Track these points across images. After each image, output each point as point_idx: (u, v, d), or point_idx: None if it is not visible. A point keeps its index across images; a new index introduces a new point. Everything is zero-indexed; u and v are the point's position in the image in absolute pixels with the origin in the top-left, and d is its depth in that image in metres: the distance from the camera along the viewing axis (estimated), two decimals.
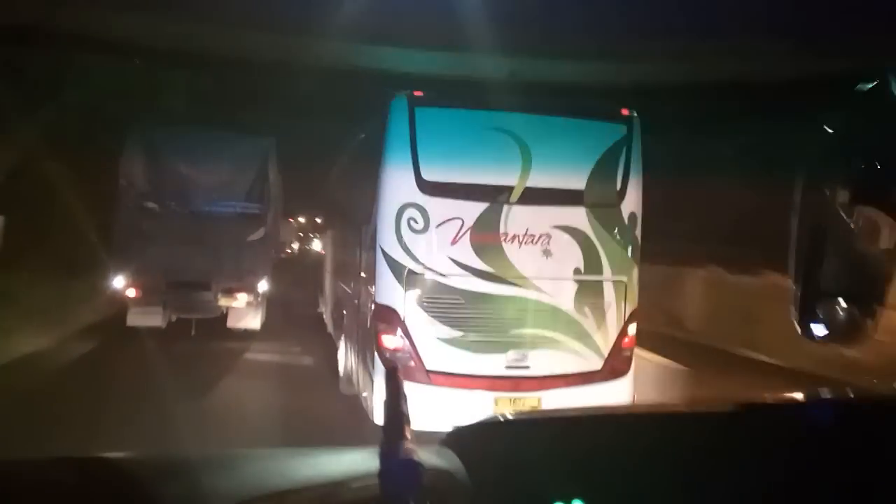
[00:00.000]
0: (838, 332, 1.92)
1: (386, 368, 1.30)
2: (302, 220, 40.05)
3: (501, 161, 6.42)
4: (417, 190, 6.35)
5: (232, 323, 12.95)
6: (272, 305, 15.50)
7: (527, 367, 6.41)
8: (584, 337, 6.56)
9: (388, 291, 6.43)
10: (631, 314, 6.77)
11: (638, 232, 6.83)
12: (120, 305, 12.42)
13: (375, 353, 6.56)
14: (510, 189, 6.38)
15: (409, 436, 1.30)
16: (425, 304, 6.42)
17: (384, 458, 1.26)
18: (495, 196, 6.40)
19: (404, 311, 6.37)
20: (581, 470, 1.38)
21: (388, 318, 6.41)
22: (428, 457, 1.38)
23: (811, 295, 1.86)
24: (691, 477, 1.39)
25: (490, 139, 6.46)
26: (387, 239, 6.41)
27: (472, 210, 6.37)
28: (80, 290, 13.47)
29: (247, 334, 13.01)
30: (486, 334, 6.46)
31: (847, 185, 1.84)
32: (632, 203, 6.73)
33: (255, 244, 12.85)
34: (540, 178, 6.42)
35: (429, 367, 6.33)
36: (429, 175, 6.38)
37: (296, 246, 37.88)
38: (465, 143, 6.51)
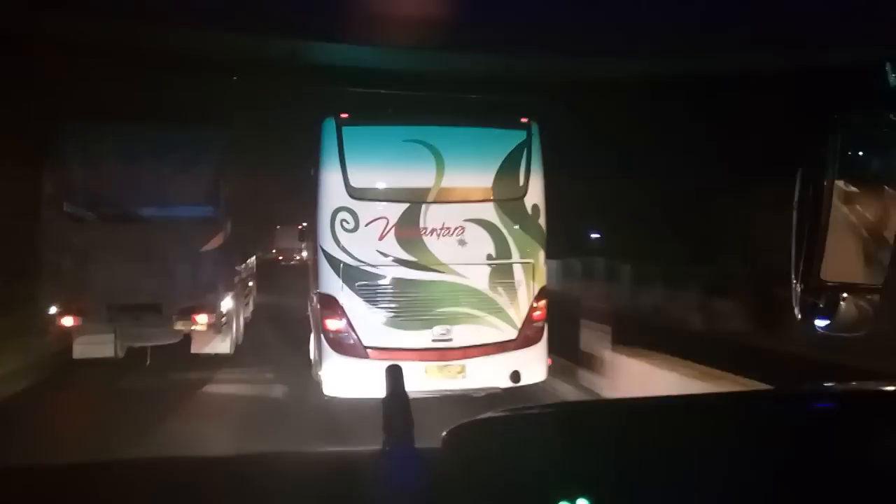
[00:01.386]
0: (840, 323, 1.90)
1: (387, 369, 1.43)
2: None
3: (419, 167, 7.49)
4: (347, 195, 7.44)
5: (196, 348, 11.06)
6: (262, 318, 14.33)
7: (451, 340, 7.46)
8: (499, 312, 7.62)
9: (329, 282, 7.49)
10: (540, 290, 7.84)
11: (542, 220, 7.90)
12: (67, 335, 10.37)
13: (322, 336, 7.59)
14: (427, 190, 7.48)
15: (411, 436, 1.34)
16: (360, 291, 7.46)
17: (386, 457, 1.31)
18: (415, 197, 7.51)
19: (342, 298, 7.43)
20: (586, 466, 1.35)
21: (330, 304, 7.48)
22: (430, 455, 1.38)
23: (812, 286, 1.84)
24: (699, 471, 1.37)
25: (408, 149, 7.56)
26: (324, 238, 7.49)
27: (396, 210, 7.47)
28: (17, 319, 11.09)
29: (216, 360, 11.14)
30: (414, 313, 7.52)
31: (847, 176, 1.83)
32: (535, 196, 7.80)
33: (211, 255, 10.77)
34: (452, 180, 7.52)
35: (366, 343, 7.37)
36: (356, 182, 7.47)
37: (305, 253, 36.81)
38: (387, 154, 7.63)
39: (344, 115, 7.57)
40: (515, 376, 7.44)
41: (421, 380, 7.28)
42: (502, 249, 7.65)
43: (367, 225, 7.43)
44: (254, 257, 16.11)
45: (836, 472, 1.39)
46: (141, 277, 10.27)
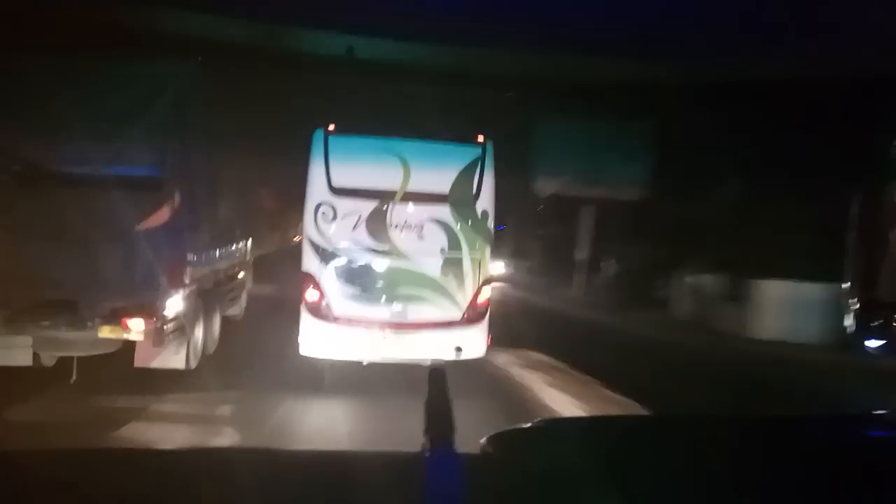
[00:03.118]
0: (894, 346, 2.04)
1: (430, 373, 1.45)
2: None
3: (389, 172, 8.96)
4: (329, 192, 8.98)
5: (141, 361, 8.03)
6: (257, 318, 12.44)
7: (406, 315, 9.02)
8: (448, 296, 9.13)
9: (310, 263, 9.09)
10: (484, 281, 9.35)
11: (490, 223, 9.35)
12: None
13: (302, 305, 9.16)
14: (395, 192, 8.97)
15: (452, 440, 1.33)
16: (334, 271, 9.04)
17: (427, 461, 1.30)
18: (384, 197, 8.99)
19: (319, 276, 9.03)
20: (626, 478, 1.32)
21: (310, 280, 9.07)
22: (470, 461, 1.38)
23: (868, 308, 1.99)
24: (743, 490, 1.34)
25: (381, 157, 9.05)
26: (309, 226, 9.05)
27: (368, 206, 8.98)
28: None
29: (169, 378, 8.37)
30: (377, 291, 9.07)
31: None
32: (484, 202, 9.23)
33: (153, 235, 7.81)
34: (416, 185, 9.00)
35: (336, 313, 8.99)
36: (337, 182, 9.00)
37: None
38: (364, 160, 9.12)
39: (331, 127, 9.11)
40: (458, 350, 8.75)
41: (379, 347, 8.88)
42: (454, 244, 9.12)
43: (343, 217, 8.94)
44: (247, 242, 12.65)
45: (878, 498, 1.37)
46: (49, 263, 7.49)
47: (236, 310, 12.24)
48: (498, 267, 24.68)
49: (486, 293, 9.43)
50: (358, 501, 1.29)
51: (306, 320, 9.03)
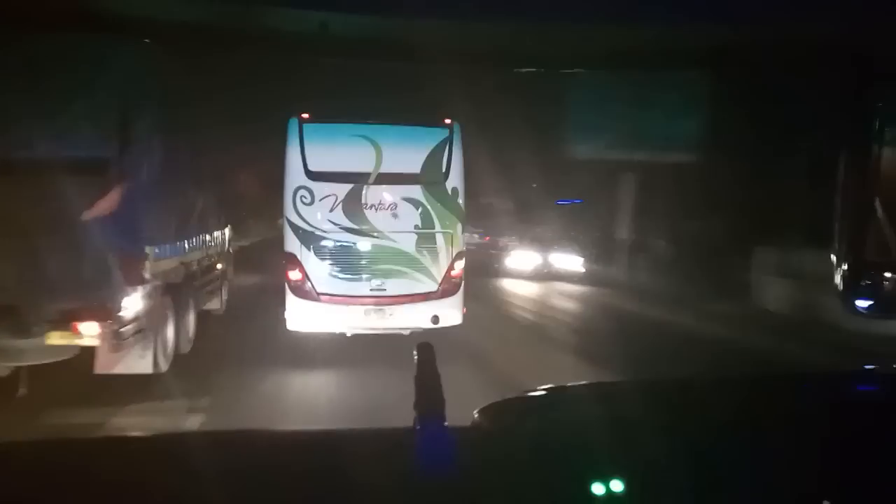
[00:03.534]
0: (884, 305, 1.81)
1: (418, 347, 1.41)
2: None
3: (362, 156, 9.11)
4: (306, 177, 9.10)
5: (102, 367, 6.99)
6: (242, 304, 11.75)
7: (384, 290, 9.17)
8: (423, 270, 9.30)
9: (291, 243, 9.19)
10: (457, 254, 9.50)
11: (461, 200, 9.52)
12: None
13: (286, 284, 9.26)
14: (369, 174, 9.13)
15: (442, 413, 1.29)
16: (314, 251, 9.15)
17: (419, 436, 1.27)
18: (358, 179, 9.13)
19: (301, 256, 9.14)
20: (620, 447, 1.28)
21: (292, 260, 9.17)
22: (461, 433, 1.34)
23: (856, 268, 1.74)
24: (736, 452, 1.31)
25: (354, 142, 9.18)
26: (288, 209, 9.15)
27: (343, 189, 9.12)
28: None
29: (133, 385, 7.18)
30: (356, 269, 9.20)
31: (892, 153, 1.68)
32: (454, 181, 9.43)
33: (103, 224, 6.65)
34: (388, 167, 9.15)
35: (318, 290, 9.10)
36: (313, 167, 9.12)
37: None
38: (338, 145, 9.26)
39: (305, 115, 9.25)
40: (435, 319, 9.09)
41: (361, 320, 9.03)
42: (427, 221, 9.29)
43: (320, 200, 9.10)
44: (225, 232, 12.02)
45: (877, 455, 1.33)
46: None
47: (216, 303, 11.33)
48: (569, 261, 22.21)
49: (460, 266, 9.56)
50: (351, 477, 1.24)
51: (291, 298, 9.13)
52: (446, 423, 1.30)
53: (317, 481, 1.25)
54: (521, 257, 22.67)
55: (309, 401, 7.65)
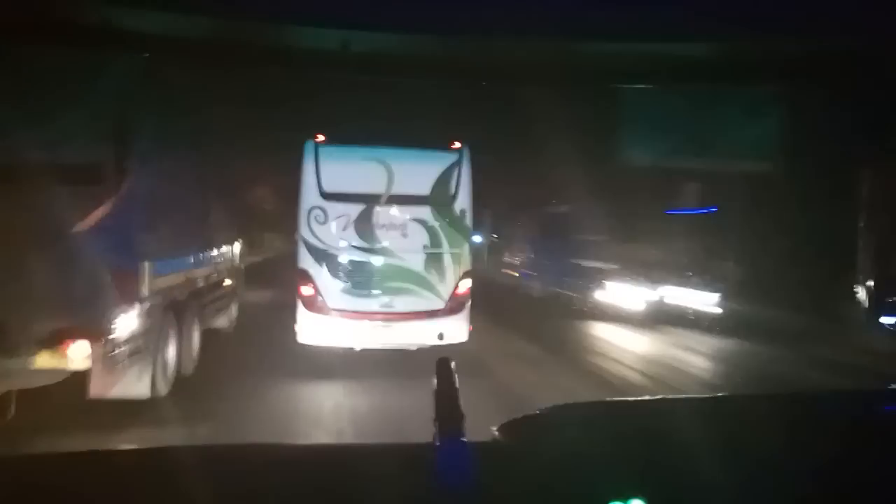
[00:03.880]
0: None
1: (438, 363, 1.40)
2: None
3: (374, 178, 9.15)
4: (321, 197, 9.18)
5: (96, 391, 6.27)
6: (252, 321, 11.24)
7: (392, 307, 9.12)
8: (431, 288, 9.29)
9: (304, 261, 9.25)
10: (464, 273, 9.47)
11: (468, 221, 9.52)
12: None
13: (298, 299, 9.27)
14: (380, 196, 9.20)
15: (461, 429, 1.25)
16: (326, 267, 9.20)
17: (438, 451, 1.23)
18: (370, 200, 9.17)
19: (313, 272, 9.20)
20: (641, 465, 1.26)
21: (304, 276, 9.22)
22: (481, 449, 1.31)
23: (884, 285, 1.63)
24: (757, 470, 1.28)
25: (367, 164, 9.23)
26: (303, 227, 9.21)
27: (356, 209, 9.19)
28: None
29: (127, 410, 6.55)
30: (366, 286, 9.20)
31: None
32: (462, 203, 9.44)
33: (97, 237, 6.17)
34: (399, 188, 9.18)
35: (329, 305, 9.10)
36: (327, 188, 9.18)
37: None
38: (351, 167, 9.33)
39: (320, 138, 9.38)
40: (440, 336, 9.04)
41: (369, 335, 8.98)
42: (435, 241, 9.33)
43: (333, 219, 9.25)
44: (236, 246, 11.46)
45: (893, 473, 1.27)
46: None
47: (224, 321, 10.55)
48: (696, 298, 14.92)
49: (466, 285, 9.57)
50: (370, 492, 1.22)
51: (302, 312, 9.19)
52: (466, 439, 1.26)
53: (332, 498, 1.23)
54: (621, 291, 15.31)
55: (321, 432, 7.02)
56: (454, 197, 9.51)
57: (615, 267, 15.92)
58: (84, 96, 6.28)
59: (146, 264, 6.96)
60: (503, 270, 25.67)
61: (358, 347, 9.09)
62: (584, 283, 16.40)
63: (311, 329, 9.12)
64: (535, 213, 22.57)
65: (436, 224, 9.41)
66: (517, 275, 23.33)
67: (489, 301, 12.19)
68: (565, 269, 17.55)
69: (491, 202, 24.09)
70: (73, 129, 6.17)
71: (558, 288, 17.90)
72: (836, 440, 1.38)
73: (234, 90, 10.53)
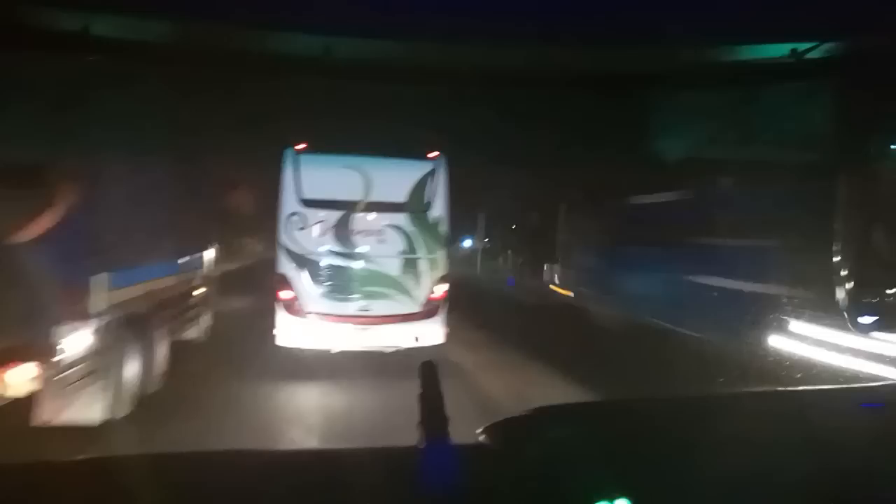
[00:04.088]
0: (888, 321, 1.59)
1: (421, 366, 1.42)
2: None
3: (352, 185, 9.20)
4: (299, 204, 9.22)
5: (44, 416, 5.63)
6: (226, 331, 10.58)
7: (369, 310, 9.15)
8: (406, 292, 9.36)
9: (283, 265, 9.29)
10: (440, 278, 9.55)
11: (443, 228, 9.60)
12: None
13: (276, 302, 9.30)
14: (357, 203, 9.28)
15: (446, 432, 1.25)
16: (305, 272, 9.25)
17: (423, 455, 1.23)
18: (348, 207, 9.21)
19: (291, 276, 9.26)
20: (625, 465, 1.25)
21: (283, 280, 9.26)
22: (466, 452, 1.30)
23: (860, 285, 1.56)
24: (742, 469, 1.26)
25: (345, 172, 9.27)
26: (282, 233, 9.24)
27: (334, 215, 9.23)
28: None
29: (77, 435, 5.80)
30: (343, 290, 9.24)
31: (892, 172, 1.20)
32: (438, 210, 9.54)
33: (40, 247, 5.30)
34: (377, 196, 9.26)
35: (307, 309, 9.10)
36: (306, 195, 9.21)
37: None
38: (330, 175, 9.37)
39: (299, 146, 9.45)
40: (416, 339, 9.12)
41: (346, 338, 8.98)
42: (412, 247, 9.41)
43: (312, 225, 9.32)
44: (209, 253, 10.83)
45: (885, 470, 1.30)
46: None
47: (194, 332, 9.79)
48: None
49: (442, 289, 9.66)
50: (355, 497, 1.22)
51: (281, 315, 9.20)
52: (451, 442, 1.25)
53: (317, 503, 1.20)
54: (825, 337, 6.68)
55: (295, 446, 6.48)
56: (430, 204, 9.58)
57: (803, 293, 7.66)
58: (32, 94, 5.65)
59: (102, 276, 6.24)
60: (551, 287, 17.56)
61: (334, 350, 9.08)
62: (735, 319, 8.69)
63: (289, 332, 9.09)
64: (612, 206, 14.28)
65: (412, 230, 9.49)
66: (571, 294, 16.08)
67: (497, 330, 12.24)
68: (676, 291, 10.69)
69: (492, 204, 23.04)
70: (14, 127, 5.43)
71: (663, 321, 10.90)
72: (818, 438, 1.37)
73: (212, 93, 9.73)
